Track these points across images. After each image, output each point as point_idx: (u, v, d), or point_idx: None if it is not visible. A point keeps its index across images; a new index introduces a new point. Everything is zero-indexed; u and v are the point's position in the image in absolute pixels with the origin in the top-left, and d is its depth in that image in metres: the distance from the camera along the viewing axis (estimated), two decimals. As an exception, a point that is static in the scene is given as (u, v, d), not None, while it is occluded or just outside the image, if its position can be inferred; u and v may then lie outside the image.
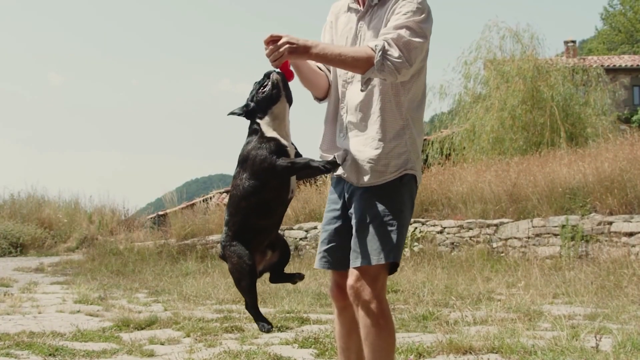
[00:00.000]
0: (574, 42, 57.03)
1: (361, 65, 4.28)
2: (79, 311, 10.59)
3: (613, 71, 51.00)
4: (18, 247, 25.18)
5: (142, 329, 8.94)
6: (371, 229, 4.43)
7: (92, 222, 28.94)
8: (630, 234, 15.11)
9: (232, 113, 4.49)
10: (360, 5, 4.62)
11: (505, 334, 7.60)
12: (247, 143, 4.40)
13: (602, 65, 41.07)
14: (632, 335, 7.09)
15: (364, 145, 4.45)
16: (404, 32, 4.27)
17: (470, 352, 6.90)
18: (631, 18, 73.22)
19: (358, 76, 4.42)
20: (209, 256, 20.34)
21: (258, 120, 4.37)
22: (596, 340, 6.61)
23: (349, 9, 4.67)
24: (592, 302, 10.38)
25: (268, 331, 4.60)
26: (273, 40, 4.17)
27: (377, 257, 4.37)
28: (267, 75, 4.39)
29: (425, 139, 33.04)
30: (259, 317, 4.71)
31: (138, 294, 13.13)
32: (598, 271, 13.18)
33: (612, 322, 8.59)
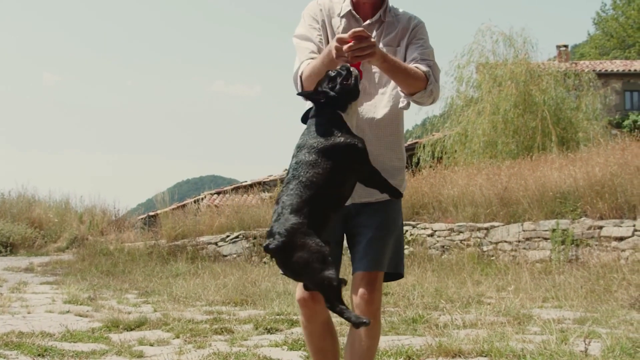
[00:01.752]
0: (566, 46, 57.20)
1: (418, 85, 4.41)
2: (68, 311, 10.58)
3: (605, 76, 51.14)
4: (8, 247, 25.14)
5: (132, 329, 8.93)
6: (387, 240, 4.55)
7: (83, 222, 28.89)
8: (620, 239, 15.14)
9: (307, 95, 4.32)
10: (359, 14, 4.63)
11: (495, 338, 7.60)
12: (331, 134, 4.16)
13: (594, 70, 41.24)
14: (621, 339, 7.10)
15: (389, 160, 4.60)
16: (433, 64, 4.52)
17: (460, 356, 6.91)
18: (623, 23, 73.45)
19: (382, 90, 4.59)
20: (200, 257, 20.34)
21: (340, 113, 4.21)
22: (585, 344, 6.62)
23: (347, 15, 4.64)
24: (582, 306, 10.39)
25: (367, 324, 4.20)
26: (358, 36, 4.06)
27: (393, 265, 4.57)
28: (348, 70, 4.20)
29: (416, 142, 33.16)
30: (348, 311, 4.13)
31: (128, 295, 13.12)
32: (588, 275, 13.20)
33: (601, 326, 8.61)
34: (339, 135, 4.11)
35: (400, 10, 4.75)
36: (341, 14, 4.64)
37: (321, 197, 4.04)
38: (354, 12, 4.63)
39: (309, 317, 4.55)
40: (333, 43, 4.13)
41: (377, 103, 4.56)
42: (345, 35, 4.05)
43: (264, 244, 4.02)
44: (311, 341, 4.68)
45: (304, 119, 4.31)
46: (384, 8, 4.66)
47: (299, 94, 4.37)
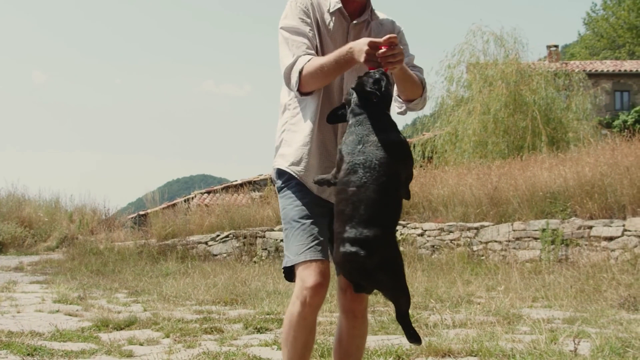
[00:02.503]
0: (556, 46, 57.35)
1: (418, 92, 4.59)
2: (58, 311, 10.56)
3: (595, 76, 51.29)
4: (-3, 246, 25.10)
5: (121, 329, 8.91)
6: None
7: (73, 221, 28.84)
8: (610, 239, 15.17)
9: (370, 91, 4.14)
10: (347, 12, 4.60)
11: (484, 337, 7.61)
12: (395, 130, 4.15)
13: (584, 70, 41.35)
14: (611, 339, 7.10)
15: None
16: (422, 71, 4.69)
17: (449, 355, 6.91)
18: (613, 23, 73.64)
19: None
20: (190, 257, 20.34)
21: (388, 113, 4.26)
22: (575, 344, 6.63)
23: (337, 12, 4.58)
24: (571, 306, 10.41)
25: (418, 343, 4.17)
26: (392, 43, 4.05)
27: None
28: (387, 75, 4.19)
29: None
30: (410, 327, 4.10)
31: (118, 294, 13.11)
32: (577, 275, 13.22)
33: (590, 326, 8.62)
34: (394, 132, 4.12)
35: (379, 13, 4.74)
36: (331, 10, 4.56)
37: (397, 199, 4.05)
38: (343, 10, 4.57)
39: (316, 307, 4.30)
40: (362, 46, 4.10)
41: None
42: (380, 40, 4.05)
43: (351, 250, 3.83)
44: (301, 336, 4.34)
45: (332, 117, 4.38)
46: (370, 8, 4.65)
47: (355, 89, 4.21)
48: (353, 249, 3.80)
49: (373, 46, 4.04)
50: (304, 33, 4.47)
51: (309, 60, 4.33)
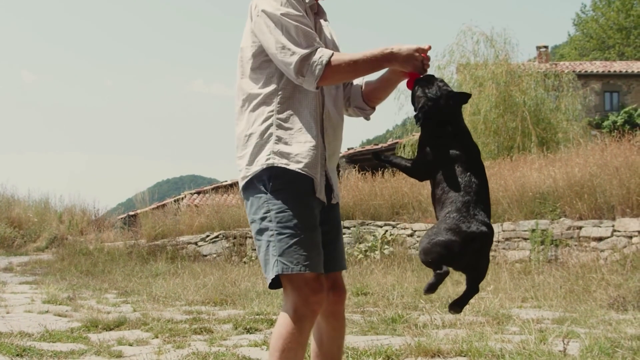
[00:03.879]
0: (546, 47, 57.54)
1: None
2: (47, 311, 10.53)
3: (584, 77, 51.38)
4: (-13, 247, 25.05)
5: (111, 329, 8.90)
6: (341, 239, 4.61)
7: (62, 221, 28.78)
8: (599, 239, 15.21)
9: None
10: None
11: (474, 338, 7.62)
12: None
13: (573, 71, 41.37)
14: (600, 339, 7.12)
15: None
16: None
17: (439, 355, 6.92)
18: (603, 24, 73.86)
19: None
20: (179, 257, 20.33)
21: None
22: (564, 344, 6.64)
23: (311, 7, 4.46)
24: (561, 306, 10.43)
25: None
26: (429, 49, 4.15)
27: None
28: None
29: (397, 142, 33.26)
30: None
31: (107, 295, 13.09)
32: (567, 275, 13.25)
33: (580, 326, 8.64)
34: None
35: None
36: (309, 4, 4.41)
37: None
38: (313, 5, 4.48)
39: (317, 315, 4.22)
40: (411, 52, 4.16)
41: (342, 112, 4.58)
42: (426, 47, 4.16)
43: (480, 229, 4.14)
44: (303, 351, 4.18)
45: (424, 118, 4.32)
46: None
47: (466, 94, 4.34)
48: (484, 228, 4.15)
49: (421, 52, 4.15)
50: (309, 24, 4.26)
51: (333, 54, 4.15)
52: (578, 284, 12.21)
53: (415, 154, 4.50)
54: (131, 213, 31.06)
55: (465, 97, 4.32)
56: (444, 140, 4.24)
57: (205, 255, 20.86)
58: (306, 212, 4.20)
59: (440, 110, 4.24)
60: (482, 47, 33.20)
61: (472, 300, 10.83)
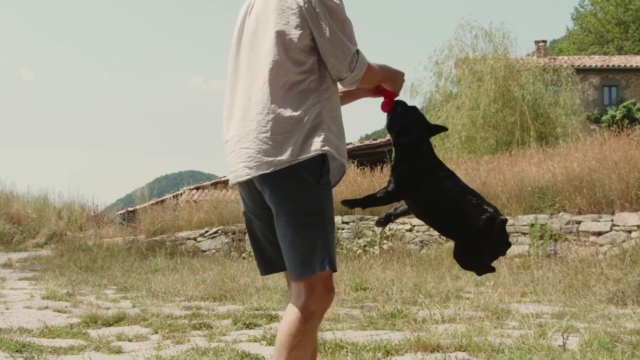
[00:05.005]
0: (544, 42, 57.60)
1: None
2: (46, 307, 10.53)
3: (583, 71, 51.46)
4: (-14, 243, 25.03)
5: (110, 325, 8.90)
6: None
7: (61, 217, 28.75)
8: (599, 234, 15.21)
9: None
10: None
11: (473, 332, 7.62)
12: None
13: (572, 65, 41.49)
14: (599, 334, 7.12)
15: None
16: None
17: (438, 350, 6.91)
18: (601, 19, 73.82)
19: None
20: (178, 253, 20.31)
21: None
22: (563, 339, 6.63)
23: None
24: (560, 301, 10.43)
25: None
26: None
27: None
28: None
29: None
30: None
31: (106, 290, 13.08)
32: (566, 270, 13.24)
33: (579, 321, 8.64)
34: None
35: None
36: None
37: None
38: None
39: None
40: (403, 74, 4.48)
41: None
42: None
43: (502, 218, 4.53)
44: (314, 344, 4.14)
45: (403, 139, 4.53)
46: None
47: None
48: (502, 217, 4.53)
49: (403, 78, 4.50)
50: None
51: (372, 63, 4.24)
52: (577, 279, 12.21)
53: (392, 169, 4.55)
54: (130, 209, 31.02)
55: (441, 129, 4.72)
56: (420, 156, 4.49)
57: (205, 251, 20.85)
58: (332, 203, 4.18)
59: (417, 137, 4.50)
60: (481, 41, 33.31)
61: (471, 295, 10.83)
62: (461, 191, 4.53)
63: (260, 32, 4.14)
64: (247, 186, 4.21)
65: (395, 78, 4.45)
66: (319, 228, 4.02)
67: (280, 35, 4.04)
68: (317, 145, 4.01)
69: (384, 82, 4.43)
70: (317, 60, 4.12)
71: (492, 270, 4.82)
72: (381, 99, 4.55)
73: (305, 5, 4.05)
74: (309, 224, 4.00)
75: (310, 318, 4.00)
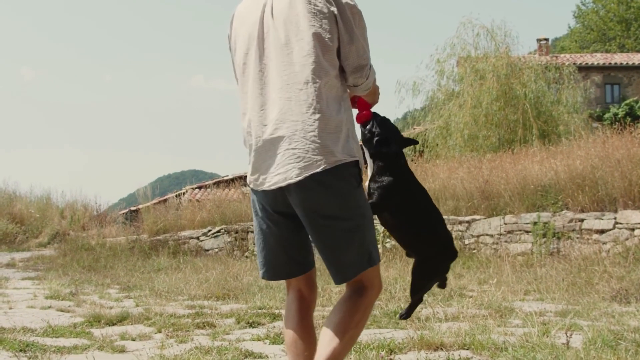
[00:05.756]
0: (546, 40, 57.55)
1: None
2: (50, 307, 10.53)
3: (585, 69, 51.42)
4: (-11, 243, 25.05)
5: (114, 324, 8.90)
6: None
7: (64, 217, 28.77)
8: (602, 232, 15.19)
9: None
10: None
11: (477, 331, 7.62)
12: None
13: (574, 63, 41.45)
14: (603, 331, 7.11)
15: None
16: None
17: (442, 349, 6.91)
18: (603, 16, 73.83)
19: None
20: (181, 252, 20.32)
21: None
22: (567, 336, 6.63)
23: None
24: (563, 299, 10.42)
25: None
26: None
27: None
28: None
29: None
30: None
31: (110, 290, 13.08)
32: (569, 268, 13.23)
33: (582, 318, 8.63)
34: None
35: None
36: None
37: None
38: None
39: None
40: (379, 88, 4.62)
41: None
42: None
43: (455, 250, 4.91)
44: None
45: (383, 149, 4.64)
46: None
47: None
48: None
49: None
50: None
51: None
52: (580, 277, 12.20)
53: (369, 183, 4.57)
54: (133, 208, 31.08)
55: (413, 142, 4.88)
56: (402, 167, 4.61)
57: (207, 250, 20.85)
58: None
59: (399, 147, 4.61)
60: (483, 39, 33.28)
61: (474, 293, 10.83)
62: (433, 208, 4.69)
63: (292, 35, 4.16)
64: (272, 192, 4.19)
65: (376, 90, 4.59)
66: (367, 225, 4.21)
67: (318, 38, 4.11)
68: (354, 150, 4.16)
69: (371, 93, 4.52)
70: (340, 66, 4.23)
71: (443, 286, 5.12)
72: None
73: (336, 10, 4.14)
74: (360, 221, 4.17)
75: (371, 307, 4.32)
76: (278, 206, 4.23)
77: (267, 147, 4.14)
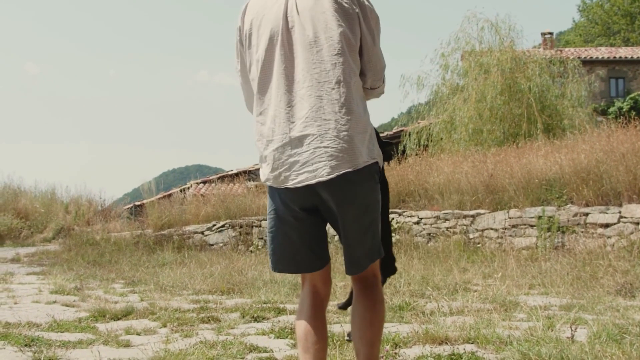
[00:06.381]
0: (551, 33, 57.44)
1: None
2: (55, 302, 10.54)
3: (590, 63, 51.35)
4: (-6, 238, 25.07)
5: (119, 319, 8.91)
6: None
7: (69, 212, 28.80)
8: (606, 225, 15.19)
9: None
10: None
11: (481, 325, 7.62)
12: None
13: (578, 57, 41.38)
14: (607, 325, 7.11)
15: None
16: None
17: (446, 343, 6.91)
18: (608, 10, 73.64)
19: None
20: (186, 247, 20.34)
21: None
22: (571, 330, 6.62)
23: None
24: (568, 293, 10.41)
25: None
26: None
27: None
28: None
29: (402, 130, 33.18)
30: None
31: (114, 285, 13.09)
32: (574, 262, 13.23)
33: (587, 312, 8.63)
34: None
35: None
36: None
37: None
38: None
39: None
40: None
41: None
42: None
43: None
44: None
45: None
46: None
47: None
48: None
49: None
50: None
51: None
52: (585, 271, 12.20)
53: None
54: (137, 203, 31.07)
55: (390, 145, 4.84)
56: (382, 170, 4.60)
57: (212, 245, 20.88)
58: None
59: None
60: (487, 33, 33.22)
61: (479, 288, 10.84)
62: (389, 222, 4.72)
63: (321, 33, 4.16)
64: (298, 189, 4.18)
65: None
66: (379, 219, 4.36)
67: (346, 37, 4.14)
68: (375, 151, 4.29)
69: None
70: None
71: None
72: None
73: (360, 13, 4.19)
74: (376, 215, 4.30)
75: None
76: (304, 202, 4.23)
77: (295, 144, 4.12)
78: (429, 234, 18.14)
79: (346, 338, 5.27)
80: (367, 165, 4.14)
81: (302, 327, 4.32)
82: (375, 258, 4.36)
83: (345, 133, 4.06)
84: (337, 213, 4.18)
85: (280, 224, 4.36)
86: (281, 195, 4.27)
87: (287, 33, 4.21)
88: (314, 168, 4.07)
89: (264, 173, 4.29)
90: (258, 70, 4.29)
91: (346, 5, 4.15)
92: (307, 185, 4.10)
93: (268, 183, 4.28)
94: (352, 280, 4.48)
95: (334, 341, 6.64)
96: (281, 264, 4.45)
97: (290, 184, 4.15)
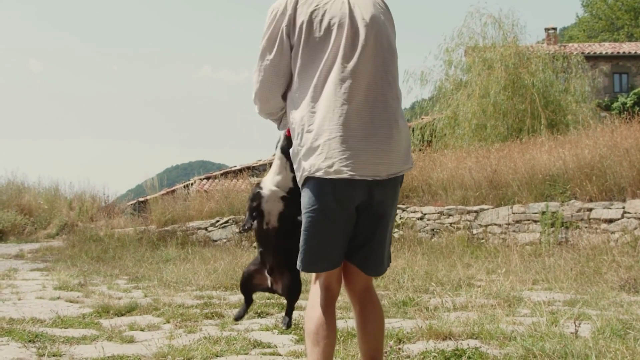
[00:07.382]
0: (554, 29, 57.34)
1: None
2: (58, 297, 10.55)
3: (593, 58, 51.27)
4: (-2, 234, 25.08)
5: (122, 315, 8.92)
6: None
7: (72, 208, 28.82)
8: (610, 221, 15.17)
9: None
10: None
11: (485, 320, 7.62)
12: None
13: (582, 53, 41.33)
14: (611, 321, 7.11)
15: None
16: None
17: (450, 338, 6.91)
18: (612, 5, 73.53)
19: None
20: (190, 242, 20.33)
21: None
22: (575, 326, 6.63)
23: None
24: (572, 289, 10.41)
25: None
26: None
27: None
28: None
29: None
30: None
31: (118, 281, 13.10)
32: (578, 257, 13.22)
33: (591, 308, 8.63)
34: None
35: None
36: None
37: None
38: None
39: None
40: None
41: None
42: None
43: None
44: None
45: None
46: None
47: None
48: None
49: None
50: None
51: None
52: (589, 266, 12.20)
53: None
54: (141, 199, 31.09)
55: None
56: None
57: (216, 241, 20.87)
58: None
59: None
60: (490, 29, 33.18)
61: (482, 283, 10.82)
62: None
63: (382, 35, 4.26)
64: (354, 184, 4.13)
65: None
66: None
67: (393, 45, 4.33)
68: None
69: None
70: None
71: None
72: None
73: (392, 23, 4.41)
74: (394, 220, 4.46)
75: None
76: (356, 199, 4.18)
77: (366, 139, 4.11)
78: (433, 230, 18.13)
79: None
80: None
81: (314, 321, 4.29)
82: (389, 261, 4.56)
83: (406, 134, 4.22)
84: (377, 213, 4.25)
85: (325, 222, 4.22)
86: (335, 192, 4.14)
87: (354, 32, 4.18)
88: (389, 161, 4.15)
89: (313, 164, 4.14)
90: (303, 61, 4.22)
91: (388, 15, 4.38)
92: (365, 182, 4.11)
93: (318, 174, 4.12)
94: (353, 285, 4.51)
95: (338, 336, 6.65)
96: (314, 264, 4.34)
97: (345, 175, 4.07)
